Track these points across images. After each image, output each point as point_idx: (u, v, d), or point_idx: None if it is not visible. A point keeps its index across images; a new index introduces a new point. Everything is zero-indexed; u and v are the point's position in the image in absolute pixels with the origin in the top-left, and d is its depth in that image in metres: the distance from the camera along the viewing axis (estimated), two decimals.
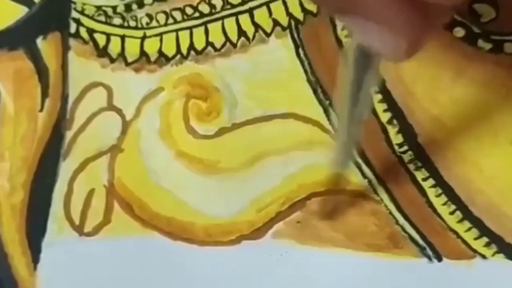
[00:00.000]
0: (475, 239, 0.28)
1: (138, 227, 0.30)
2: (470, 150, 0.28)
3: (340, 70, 0.26)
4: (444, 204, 0.28)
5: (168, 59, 0.32)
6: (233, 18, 0.31)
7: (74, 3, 0.33)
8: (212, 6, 0.32)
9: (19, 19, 0.33)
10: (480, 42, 0.29)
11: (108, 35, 0.33)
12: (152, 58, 0.32)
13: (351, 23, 0.22)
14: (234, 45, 0.31)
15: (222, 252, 0.29)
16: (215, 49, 0.32)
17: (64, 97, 0.32)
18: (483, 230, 0.28)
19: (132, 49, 0.32)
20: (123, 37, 0.33)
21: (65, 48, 0.33)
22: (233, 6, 0.32)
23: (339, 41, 0.30)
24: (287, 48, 0.31)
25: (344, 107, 0.25)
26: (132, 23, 0.33)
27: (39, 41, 0.33)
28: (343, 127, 0.26)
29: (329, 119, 0.30)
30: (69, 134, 0.32)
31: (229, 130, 0.31)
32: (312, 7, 0.31)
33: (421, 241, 0.28)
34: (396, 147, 0.29)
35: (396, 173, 0.29)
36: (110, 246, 0.30)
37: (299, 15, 0.31)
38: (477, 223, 0.28)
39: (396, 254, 0.28)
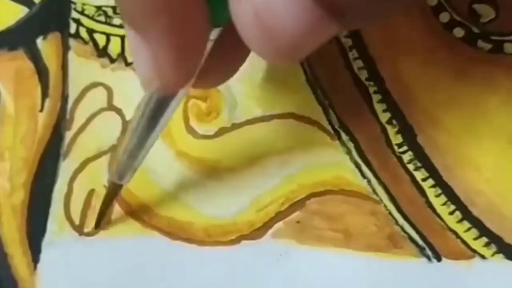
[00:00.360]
0: (475, 239, 0.28)
1: (138, 227, 0.30)
2: (469, 150, 0.28)
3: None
4: (444, 204, 0.28)
5: None
6: None
7: (74, 3, 0.33)
8: None
9: (19, 19, 0.33)
10: (480, 43, 0.29)
11: (108, 35, 0.33)
12: None
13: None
14: None
15: (222, 252, 0.29)
16: None
17: (64, 97, 0.32)
18: (483, 230, 0.28)
19: None
20: (123, 37, 0.33)
21: (65, 48, 0.33)
22: None
23: (338, 41, 0.30)
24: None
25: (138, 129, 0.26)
26: None
27: (39, 41, 0.33)
28: (133, 145, 0.27)
29: (328, 119, 0.30)
30: (69, 134, 0.32)
31: (229, 130, 0.31)
32: None
33: (420, 241, 0.28)
34: (395, 147, 0.29)
35: (396, 173, 0.29)
36: (110, 246, 0.30)
37: None
38: (476, 223, 0.28)
39: (396, 254, 0.28)
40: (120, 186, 0.29)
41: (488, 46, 0.29)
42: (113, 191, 0.29)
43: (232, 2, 0.19)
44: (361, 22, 0.20)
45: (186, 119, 0.31)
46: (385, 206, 0.29)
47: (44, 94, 0.32)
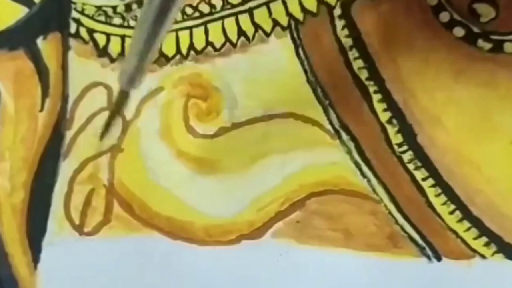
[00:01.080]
0: (475, 238, 0.28)
1: (138, 226, 0.30)
2: (469, 149, 0.28)
3: None
4: (444, 203, 0.28)
5: (168, 59, 0.32)
6: (233, 18, 0.31)
7: (74, 3, 0.33)
8: (212, 6, 0.32)
9: (20, 19, 0.33)
10: (480, 42, 0.29)
11: (108, 35, 0.33)
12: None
13: None
14: (234, 45, 0.31)
15: (222, 252, 0.29)
16: (215, 49, 0.32)
17: (64, 97, 0.32)
18: (483, 229, 0.28)
19: None
20: (123, 37, 0.33)
21: (65, 48, 0.33)
22: (233, 6, 0.32)
23: (339, 41, 0.30)
24: (286, 48, 0.31)
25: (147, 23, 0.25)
26: (132, 23, 0.33)
27: (40, 41, 0.33)
28: (142, 41, 0.26)
29: (328, 118, 0.30)
30: (69, 134, 0.32)
31: (229, 130, 0.31)
32: (312, 7, 0.31)
33: (420, 241, 0.28)
34: (395, 147, 0.29)
35: (396, 173, 0.29)
36: (110, 246, 0.30)
37: (299, 15, 0.31)
38: (476, 222, 0.28)
39: (396, 253, 0.28)
40: (127, 94, 0.28)
41: (488, 45, 0.29)
42: (122, 99, 0.28)
43: None
44: None
45: (186, 118, 0.31)
46: (385, 205, 0.29)
47: (44, 94, 0.32)
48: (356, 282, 0.28)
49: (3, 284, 0.31)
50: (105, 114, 0.32)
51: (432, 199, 0.28)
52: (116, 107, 0.29)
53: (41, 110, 0.32)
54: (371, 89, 0.30)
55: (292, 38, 0.31)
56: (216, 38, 0.32)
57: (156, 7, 0.25)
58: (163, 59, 0.32)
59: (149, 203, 0.30)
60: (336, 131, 0.30)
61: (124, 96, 0.28)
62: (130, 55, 0.26)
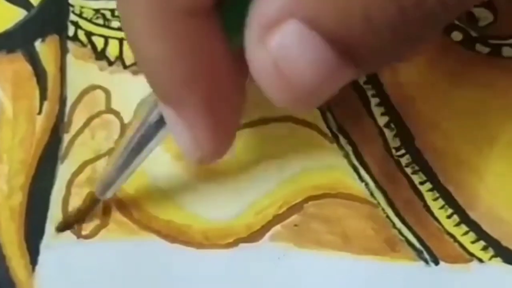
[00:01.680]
0: (472, 242, 0.28)
1: (136, 229, 0.30)
2: (467, 154, 0.28)
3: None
4: (441, 208, 0.28)
5: None
6: None
7: (72, 6, 0.33)
8: None
9: (18, 22, 0.33)
10: (478, 46, 0.29)
11: (106, 38, 0.33)
12: None
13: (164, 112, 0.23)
14: None
15: (220, 255, 0.29)
16: None
17: (63, 100, 0.32)
18: (480, 233, 0.28)
19: (131, 52, 0.32)
20: (121, 40, 0.33)
21: (64, 51, 0.33)
22: None
23: None
24: None
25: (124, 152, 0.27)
26: None
27: (38, 44, 0.33)
28: (118, 163, 0.28)
29: (326, 122, 0.30)
30: (67, 137, 0.32)
31: None
32: None
33: (418, 245, 0.28)
34: (393, 151, 0.29)
35: (393, 177, 0.29)
36: (107, 249, 0.30)
37: None
38: (474, 227, 0.28)
39: (393, 257, 0.28)
40: (98, 201, 0.30)
41: (486, 49, 0.29)
42: (92, 203, 0.30)
43: (248, 50, 0.19)
44: (377, 66, 0.20)
45: None
46: (382, 209, 0.29)
47: (42, 97, 0.32)
48: (353, 286, 0.28)
49: (1, 286, 0.31)
50: (103, 117, 0.32)
51: (430, 203, 0.28)
52: (85, 208, 0.30)
53: (39, 113, 0.32)
54: (369, 92, 0.30)
55: None
56: None
57: (135, 139, 0.27)
58: None
59: (147, 207, 0.30)
60: (334, 135, 0.30)
61: (94, 200, 0.30)
62: (109, 168, 0.28)
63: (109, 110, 0.32)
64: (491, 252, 0.27)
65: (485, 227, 0.28)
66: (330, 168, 0.29)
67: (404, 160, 0.29)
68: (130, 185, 0.31)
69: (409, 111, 0.29)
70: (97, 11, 0.33)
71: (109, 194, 0.29)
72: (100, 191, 0.29)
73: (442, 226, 0.28)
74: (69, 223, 0.30)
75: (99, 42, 0.33)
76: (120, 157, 0.28)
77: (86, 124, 0.32)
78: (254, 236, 0.29)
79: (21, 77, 0.33)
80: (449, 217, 0.28)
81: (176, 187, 0.30)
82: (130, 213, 0.30)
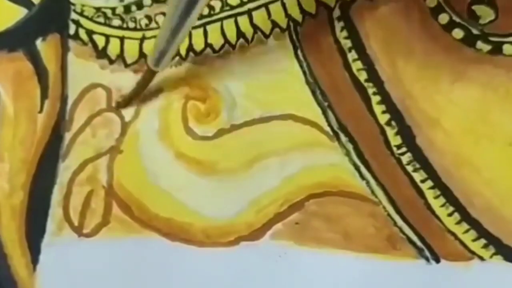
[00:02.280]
0: (473, 240, 0.28)
1: (137, 228, 0.30)
2: (468, 151, 0.28)
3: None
4: (443, 205, 0.28)
5: None
6: (232, 20, 0.31)
7: (73, 4, 0.33)
8: (211, 8, 0.32)
9: (19, 21, 0.33)
10: (479, 44, 0.29)
11: (107, 37, 0.33)
12: None
13: None
14: (233, 47, 0.31)
15: (221, 253, 0.29)
16: (214, 51, 0.32)
17: (63, 99, 0.32)
18: (481, 231, 0.28)
19: (131, 51, 0.32)
20: (122, 39, 0.33)
21: (65, 49, 0.33)
22: (232, 7, 0.32)
23: (338, 43, 0.31)
24: (285, 50, 0.31)
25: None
26: (131, 25, 0.33)
27: (39, 42, 0.33)
28: (169, 28, 0.28)
29: (327, 120, 0.30)
30: (68, 136, 0.32)
31: (228, 132, 0.31)
32: (311, 9, 0.31)
33: (419, 243, 0.28)
34: (394, 149, 0.29)
35: (395, 175, 0.29)
36: (109, 247, 0.30)
37: (298, 16, 0.31)
38: (475, 224, 0.28)
39: (394, 255, 0.28)
40: (154, 73, 0.30)
41: (487, 47, 0.29)
42: (149, 77, 0.30)
43: None
44: None
45: (185, 120, 0.31)
46: (384, 207, 0.29)
47: (44, 96, 0.32)
48: (354, 284, 0.28)
49: (2, 285, 0.31)
50: (104, 115, 0.32)
51: (431, 201, 0.28)
52: (142, 83, 0.30)
53: (40, 111, 0.32)
54: (370, 90, 0.30)
55: (291, 39, 0.31)
56: (215, 39, 0.32)
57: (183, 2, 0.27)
58: None
59: (148, 205, 0.30)
60: (335, 133, 0.30)
61: (151, 74, 0.30)
62: (159, 38, 0.29)
63: (110, 108, 0.32)
64: (492, 250, 0.27)
65: (486, 225, 0.28)
66: (331, 166, 0.29)
67: (405, 158, 0.29)
68: (131, 183, 0.31)
69: (410, 109, 0.29)
70: (98, 9, 0.33)
71: (163, 64, 0.29)
72: (154, 62, 0.29)
73: (443, 224, 0.28)
74: (130, 98, 0.31)
75: (100, 41, 0.33)
76: (171, 22, 0.28)
77: (87, 122, 0.32)
78: (255, 234, 0.29)
79: (22, 75, 0.33)
80: (450, 215, 0.28)
81: (177, 186, 0.30)
82: (131, 212, 0.30)
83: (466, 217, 0.28)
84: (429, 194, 0.28)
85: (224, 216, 0.30)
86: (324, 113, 0.30)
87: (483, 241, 0.27)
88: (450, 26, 0.30)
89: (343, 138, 0.30)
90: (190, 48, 0.32)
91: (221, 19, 0.32)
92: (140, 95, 0.31)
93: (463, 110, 0.29)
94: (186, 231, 0.30)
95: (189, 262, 0.29)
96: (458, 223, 0.28)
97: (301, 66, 0.31)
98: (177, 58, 0.32)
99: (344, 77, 0.30)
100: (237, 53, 0.31)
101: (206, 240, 0.30)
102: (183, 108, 0.31)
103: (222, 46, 0.32)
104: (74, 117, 0.32)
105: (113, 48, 0.33)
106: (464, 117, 0.29)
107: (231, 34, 0.31)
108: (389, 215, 0.28)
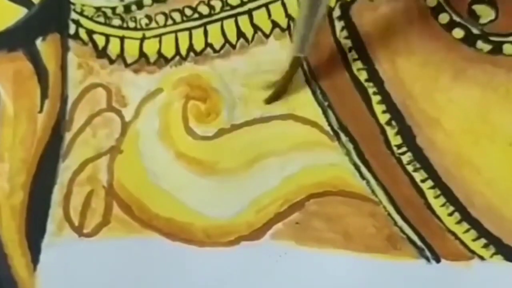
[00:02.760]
0: (474, 240, 0.28)
1: (137, 227, 0.30)
2: (468, 151, 0.28)
3: None
4: (443, 205, 0.28)
5: (167, 60, 0.32)
6: (232, 20, 0.31)
7: (74, 4, 0.33)
8: (211, 7, 0.32)
9: (19, 20, 0.33)
10: (479, 43, 0.29)
11: (107, 36, 0.33)
12: (152, 59, 0.32)
13: None
14: (233, 46, 0.31)
15: (221, 253, 0.29)
16: (214, 50, 0.32)
17: (64, 98, 0.32)
18: (482, 231, 0.28)
19: (132, 50, 0.32)
20: (122, 38, 0.33)
21: (65, 49, 0.33)
22: (232, 7, 0.32)
23: (338, 42, 0.30)
24: (286, 49, 0.31)
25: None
26: (132, 24, 0.33)
27: (39, 42, 0.33)
28: (303, 16, 0.28)
29: (328, 120, 0.30)
30: (68, 135, 0.32)
31: (228, 131, 0.31)
32: None
33: (419, 243, 0.28)
34: (394, 148, 0.29)
35: (395, 175, 0.29)
36: (109, 247, 0.30)
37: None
38: (475, 224, 0.28)
39: (395, 255, 0.28)
40: (299, 60, 0.30)
41: (487, 47, 0.29)
42: (295, 64, 0.30)
43: None
44: None
45: (185, 120, 0.31)
46: (384, 207, 0.29)
47: (44, 95, 0.32)
48: (355, 284, 0.28)
49: (3, 285, 0.31)
50: (104, 115, 0.32)
51: (431, 200, 0.28)
52: (289, 72, 0.30)
53: (40, 111, 0.32)
54: (370, 90, 0.30)
55: (291, 39, 0.31)
56: (216, 39, 0.32)
57: None
58: (163, 60, 0.32)
59: (149, 205, 0.30)
60: (335, 133, 0.30)
61: (296, 61, 0.30)
62: (297, 27, 0.29)
63: (110, 108, 0.32)
64: (492, 249, 0.27)
65: (487, 225, 0.28)
66: (332, 166, 0.29)
67: (405, 158, 0.29)
68: (131, 183, 0.31)
69: (410, 109, 0.29)
70: (98, 9, 0.33)
71: (307, 50, 0.29)
72: (299, 49, 0.29)
73: (444, 223, 0.28)
74: (279, 92, 0.31)
75: (100, 40, 0.33)
76: (305, 9, 0.28)
77: (87, 122, 0.32)
78: (255, 234, 0.29)
79: (22, 75, 0.33)
80: (450, 214, 0.28)
81: (177, 185, 0.30)
82: (132, 211, 0.31)
83: (466, 216, 0.28)
84: (429, 194, 0.28)
85: (224, 216, 0.30)
86: (324, 113, 0.30)
87: (483, 240, 0.27)
88: (450, 25, 0.30)
89: (343, 137, 0.30)
90: (191, 48, 0.32)
91: (221, 19, 0.32)
92: (287, 86, 0.31)
93: (463, 110, 0.29)
94: (186, 231, 0.30)
95: (189, 262, 0.29)
96: (459, 222, 0.28)
97: (301, 66, 0.31)
98: (178, 57, 0.32)
99: (344, 77, 0.30)
100: (238, 53, 0.31)
101: (207, 240, 0.30)
102: (184, 108, 0.31)
103: (223, 46, 0.31)
104: (74, 117, 0.32)
105: (113, 48, 0.33)
106: (464, 116, 0.29)
107: (232, 34, 0.31)
108: (389, 215, 0.28)
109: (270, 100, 0.31)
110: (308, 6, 0.27)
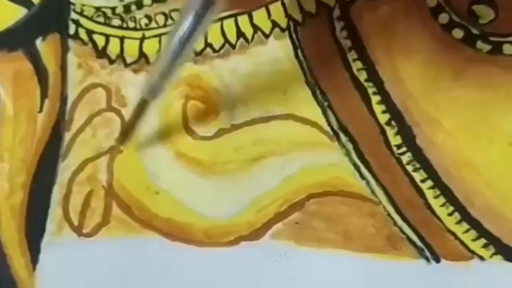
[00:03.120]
0: (473, 240, 0.28)
1: (137, 228, 0.30)
2: (468, 151, 0.28)
3: None
4: (443, 205, 0.28)
5: None
6: (232, 19, 0.31)
7: (73, 4, 0.33)
8: None
9: (18, 20, 0.33)
10: (479, 44, 0.29)
11: (107, 36, 0.33)
12: (151, 59, 0.32)
13: None
14: (233, 46, 0.31)
15: (221, 253, 0.29)
16: (214, 50, 0.32)
17: (63, 98, 0.32)
18: (481, 231, 0.28)
19: (131, 50, 0.32)
20: (122, 38, 0.33)
21: (64, 49, 0.33)
22: None
23: (338, 42, 0.30)
24: (285, 49, 0.31)
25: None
26: (131, 24, 0.33)
27: (38, 42, 0.33)
28: (166, 59, 0.28)
29: (327, 120, 0.30)
30: (68, 135, 0.32)
31: (228, 131, 0.31)
32: (311, 8, 0.31)
33: (419, 243, 0.28)
34: (394, 148, 0.29)
35: (395, 175, 0.29)
36: (109, 247, 0.30)
37: (298, 16, 0.31)
38: (475, 224, 0.28)
39: (394, 255, 0.28)
40: (147, 103, 0.29)
41: (487, 47, 0.29)
42: (142, 107, 0.30)
43: None
44: None
45: (185, 120, 0.31)
46: (384, 207, 0.29)
47: (43, 95, 0.32)
48: (354, 284, 0.28)
49: (2, 285, 0.31)
50: (104, 115, 0.32)
51: (431, 200, 0.28)
52: (135, 115, 0.30)
53: (40, 111, 0.32)
54: (370, 90, 0.30)
55: (291, 39, 0.31)
56: (215, 39, 0.32)
57: (183, 34, 0.27)
58: None
59: (148, 205, 0.30)
60: (335, 133, 0.30)
61: (144, 104, 0.29)
62: (155, 67, 0.28)
63: (110, 108, 0.32)
64: (492, 249, 0.27)
65: (486, 225, 0.28)
66: (331, 166, 0.29)
67: (405, 158, 0.29)
68: (131, 183, 0.31)
69: (410, 109, 0.29)
70: (98, 9, 0.33)
71: (158, 95, 0.29)
72: (148, 91, 0.29)
73: (443, 224, 0.28)
74: (127, 130, 0.31)
75: (100, 40, 0.33)
76: (167, 54, 0.28)
77: (87, 122, 0.32)
78: (255, 234, 0.29)
79: (22, 75, 0.33)
80: (450, 214, 0.28)
81: (177, 185, 0.30)
82: (131, 212, 0.31)
83: (466, 216, 0.28)
84: (429, 194, 0.28)
85: (224, 216, 0.30)
86: (324, 113, 0.30)
87: (483, 240, 0.27)
88: (450, 25, 0.30)
89: (343, 137, 0.30)
90: None
91: (221, 19, 0.32)
92: (134, 127, 0.31)
93: (463, 110, 0.29)
94: (186, 231, 0.30)
95: (189, 262, 0.29)
96: (458, 222, 0.28)
97: (301, 66, 0.31)
98: None
99: (344, 77, 0.30)
100: (237, 53, 0.31)
101: (206, 240, 0.30)
102: (183, 108, 0.31)
103: (222, 46, 0.32)
104: (74, 117, 0.32)
105: (113, 48, 0.33)
106: (464, 117, 0.29)
107: (231, 34, 0.31)
108: (389, 214, 0.28)
109: (121, 140, 0.31)
110: (170, 59, 0.28)
